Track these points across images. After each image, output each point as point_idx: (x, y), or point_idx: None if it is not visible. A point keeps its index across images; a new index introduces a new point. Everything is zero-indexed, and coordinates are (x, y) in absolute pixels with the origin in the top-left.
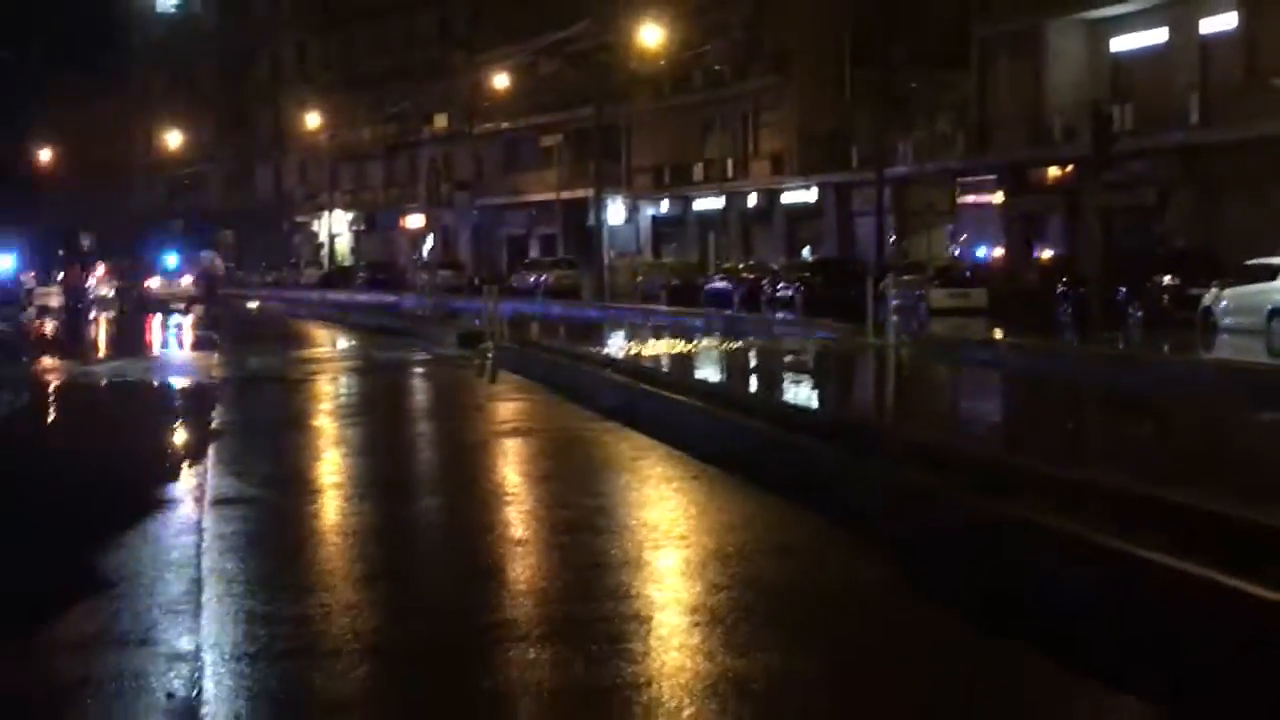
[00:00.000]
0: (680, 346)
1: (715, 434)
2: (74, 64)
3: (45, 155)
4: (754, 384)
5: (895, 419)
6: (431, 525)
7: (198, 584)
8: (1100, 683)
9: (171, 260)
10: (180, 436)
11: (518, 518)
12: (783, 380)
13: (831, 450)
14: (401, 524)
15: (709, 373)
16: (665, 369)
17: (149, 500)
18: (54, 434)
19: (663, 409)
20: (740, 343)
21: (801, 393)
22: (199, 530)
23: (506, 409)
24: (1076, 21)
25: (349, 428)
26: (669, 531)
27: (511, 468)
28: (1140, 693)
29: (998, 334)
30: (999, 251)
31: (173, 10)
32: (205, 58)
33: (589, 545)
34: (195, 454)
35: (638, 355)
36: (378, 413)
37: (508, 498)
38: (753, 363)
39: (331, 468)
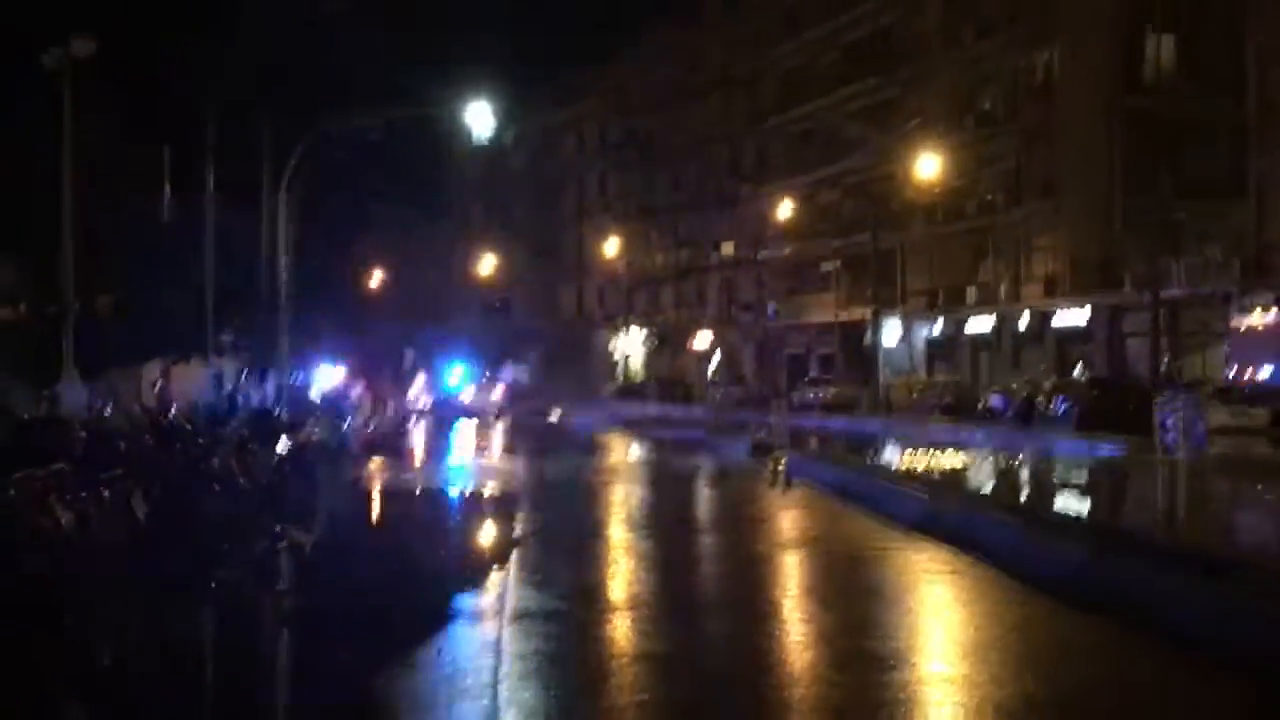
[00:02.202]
0: (966, 460)
1: (1027, 553)
2: (401, 198)
3: (375, 280)
4: (1061, 500)
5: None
6: (734, 653)
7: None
8: None
9: (457, 373)
10: (485, 542)
11: (826, 650)
12: (1084, 496)
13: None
14: (702, 650)
15: (1007, 487)
16: (962, 483)
17: (450, 612)
18: (366, 540)
19: (965, 523)
20: (1024, 457)
21: (1104, 509)
22: (497, 651)
23: (804, 519)
24: None
25: (646, 539)
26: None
27: (820, 585)
28: None
29: None
30: (1261, 373)
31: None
32: (517, 190)
33: (912, 694)
34: (498, 561)
35: (930, 468)
36: (674, 523)
37: (816, 621)
38: (1050, 478)
39: (630, 581)
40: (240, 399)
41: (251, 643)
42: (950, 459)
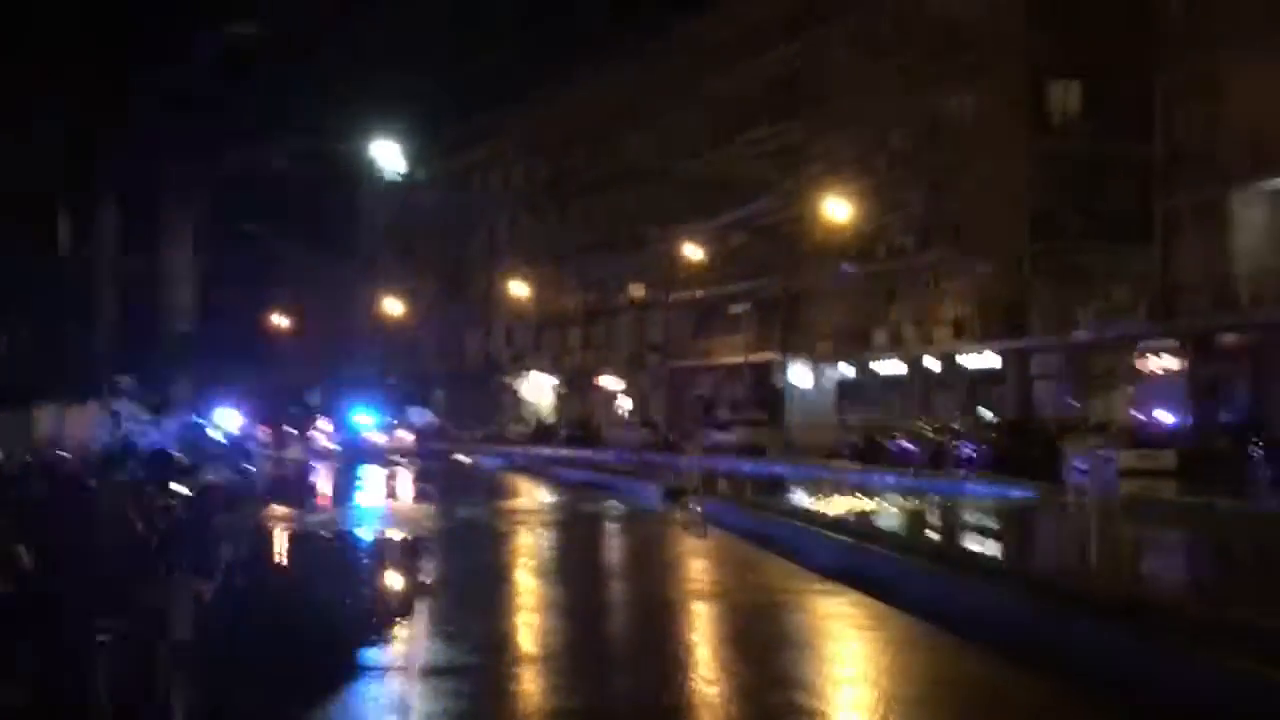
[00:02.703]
0: (881, 505)
1: (951, 601)
2: (308, 237)
3: (282, 320)
4: (978, 545)
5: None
6: (653, 710)
7: None
8: None
9: (364, 417)
10: (393, 590)
11: (748, 707)
12: (1000, 540)
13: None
14: (620, 707)
15: (925, 532)
16: (880, 528)
17: (356, 666)
18: (267, 586)
19: (887, 570)
20: (937, 501)
21: (1032, 554)
22: (404, 711)
23: (720, 565)
24: (1262, 191)
25: (559, 586)
26: None
27: (739, 635)
28: None
29: (1203, 495)
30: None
31: (395, 179)
32: (425, 231)
33: None
34: (405, 610)
35: (845, 513)
36: (588, 569)
37: (736, 674)
38: (966, 522)
39: (543, 631)
40: (137, 442)
41: (142, 700)
42: (865, 503)
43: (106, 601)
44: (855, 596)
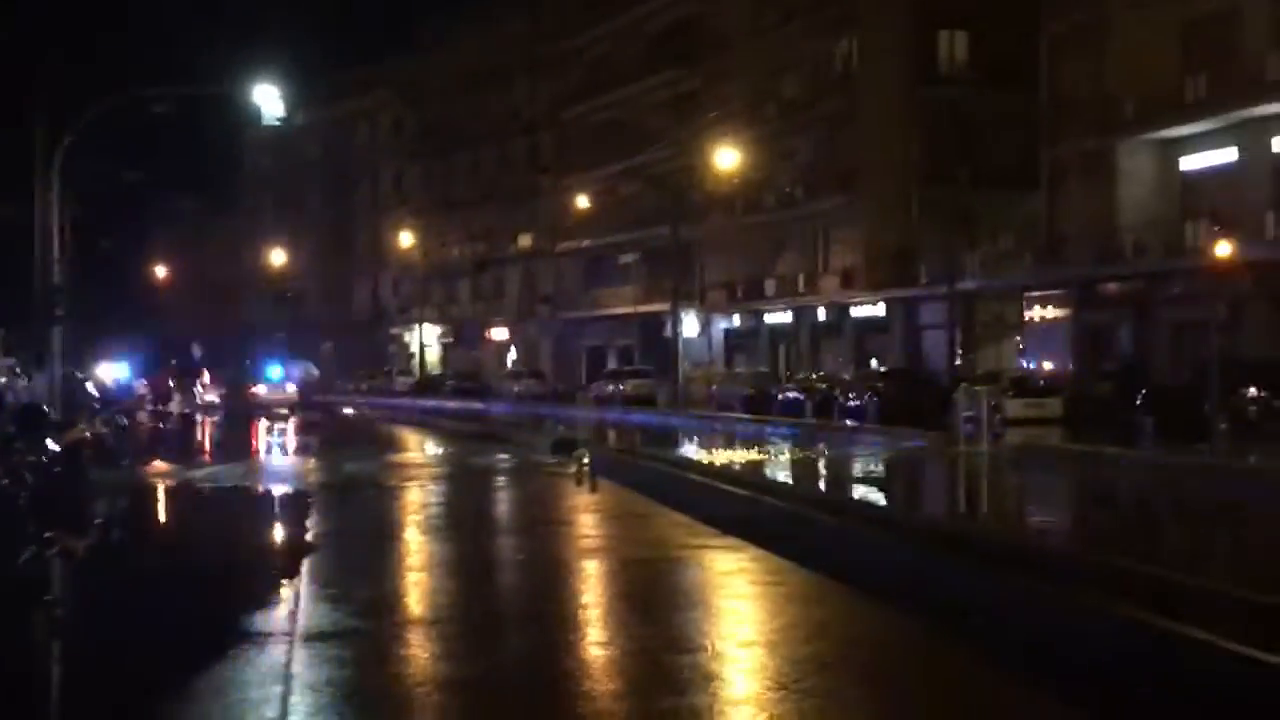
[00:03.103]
0: (773, 455)
1: (846, 553)
2: (191, 187)
3: (162, 271)
4: (870, 494)
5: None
6: (546, 673)
7: None
8: None
9: (275, 370)
10: (274, 548)
11: (646, 665)
12: (894, 490)
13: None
14: (512, 671)
15: (816, 482)
16: (773, 479)
17: (235, 632)
18: (145, 545)
19: (782, 522)
20: (830, 450)
21: (930, 504)
22: (286, 679)
23: (613, 520)
24: (1146, 141)
25: (447, 543)
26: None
27: (635, 592)
28: None
29: (1090, 443)
30: (1052, 364)
31: (275, 124)
32: (310, 181)
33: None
34: (288, 571)
35: (737, 464)
36: (476, 525)
37: (633, 634)
38: (856, 472)
39: (430, 591)
40: (9, 396)
41: (8, 664)
42: (756, 454)
43: None
44: (754, 551)
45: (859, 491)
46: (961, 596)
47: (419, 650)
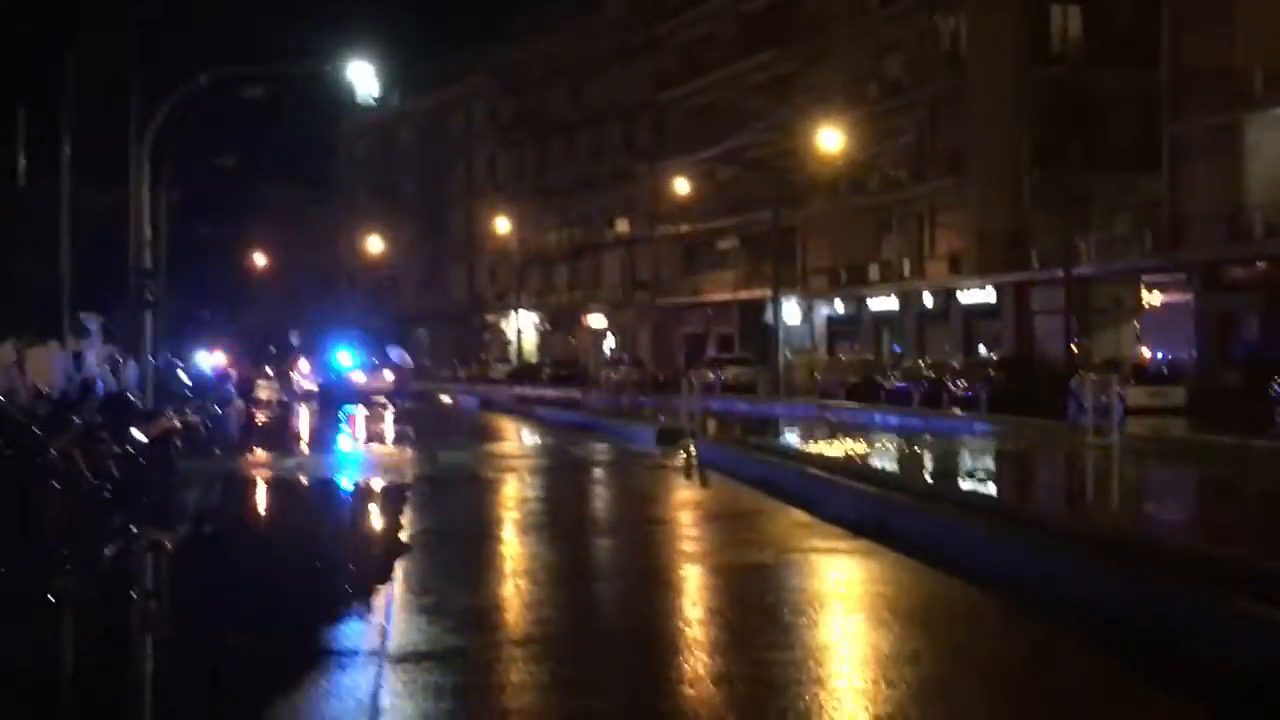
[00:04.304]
0: (890, 446)
1: (1009, 565)
2: (288, 175)
3: (260, 258)
4: (1030, 494)
5: None
6: (684, 711)
7: None
8: None
9: (344, 357)
10: (367, 548)
11: (811, 702)
12: (1046, 489)
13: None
14: (644, 710)
15: (958, 479)
16: (899, 474)
17: (319, 649)
18: (235, 541)
19: (925, 527)
20: (951, 442)
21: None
22: (374, 714)
23: (729, 519)
24: (1277, 116)
25: (552, 545)
26: None
27: (774, 607)
28: None
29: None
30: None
31: (370, 102)
32: (405, 169)
33: None
34: (381, 574)
35: (854, 456)
36: (582, 524)
37: (781, 660)
38: (989, 464)
39: (538, 603)
40: (100, 385)
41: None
42: (872, 445)
43: (51, 557)
44: (892, 556)
45: (999, 489)
46: (1158, 619)
47: (526, 676)
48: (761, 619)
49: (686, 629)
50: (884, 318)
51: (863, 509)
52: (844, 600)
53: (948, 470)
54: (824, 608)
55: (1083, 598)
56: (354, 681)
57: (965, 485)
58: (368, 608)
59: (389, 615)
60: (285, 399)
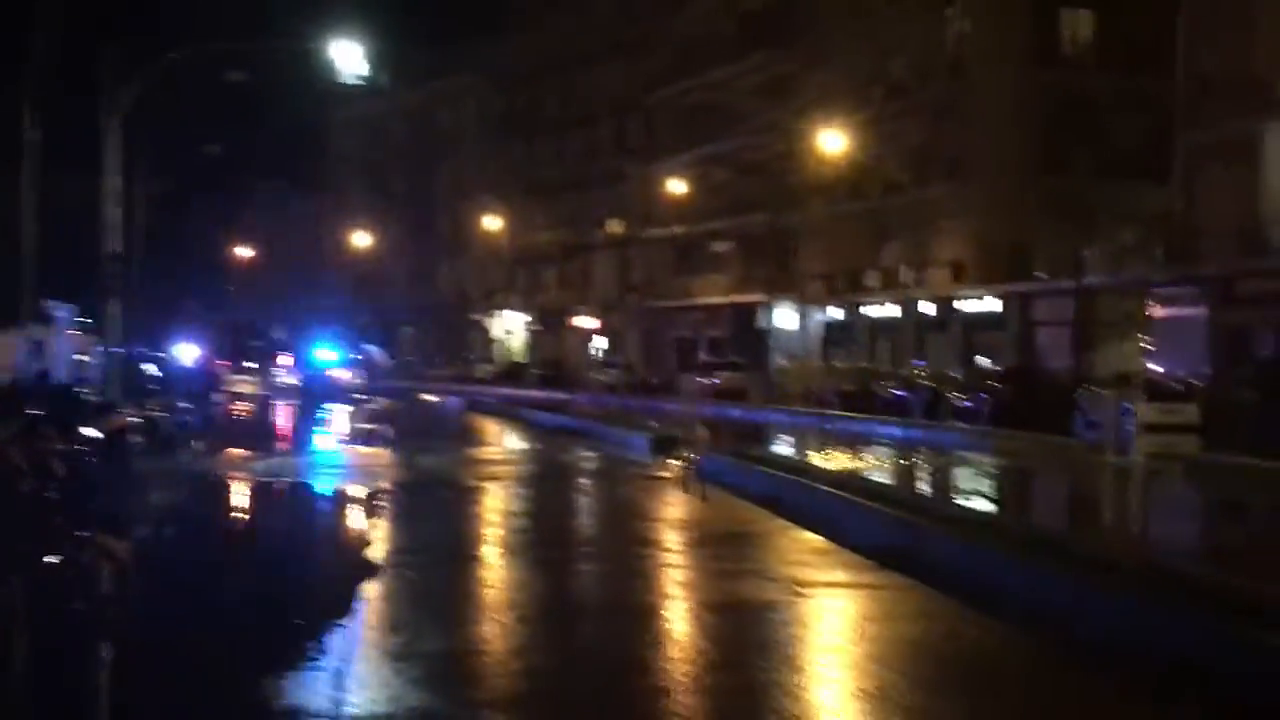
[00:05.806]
0: (899, 461)
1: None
2: (276, 168)
3: (246, 251)
4: (1062, 520)
5: None
6: None
7: None
8: None
9: (325, 353)
10: (331, 572)
11: None
12: (1087, 515)
13: None
14: None
15: (989, 504)
16: (937, 497)
17: (255, 711)
18: (191, 553)
19: (959, 557)
20: (964, 459)
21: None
22: None
23: (738, 543)
24: None
25: (543, 574)
26: None
27: (800, 654)
28: None
29: (1248, 454)
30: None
31: (360, 83)
32: (394, 164)
33: None
34: (342, 608)
35: (862, 470)
36: (576, 547)
37: None
38: (1018, 487)
39: (527, 649)
40: (57, 377)
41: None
42: (879, 459)
43: None
44: (925, 591)
45: (1038, 516)
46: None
47: None
48: (784, 671)
49: (702, 684)
50: (882, 325)
51: (889, 535)
52: (875, 642)
53: (975, 491)
54: (856, 653)
55: (1173, 652)
56: None
57: (1001, 511)
58: (323, 650)
59: (349, 660)
60: (265, 394)
